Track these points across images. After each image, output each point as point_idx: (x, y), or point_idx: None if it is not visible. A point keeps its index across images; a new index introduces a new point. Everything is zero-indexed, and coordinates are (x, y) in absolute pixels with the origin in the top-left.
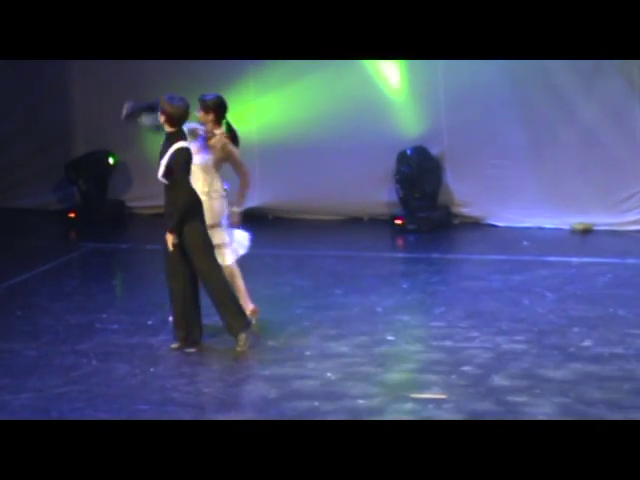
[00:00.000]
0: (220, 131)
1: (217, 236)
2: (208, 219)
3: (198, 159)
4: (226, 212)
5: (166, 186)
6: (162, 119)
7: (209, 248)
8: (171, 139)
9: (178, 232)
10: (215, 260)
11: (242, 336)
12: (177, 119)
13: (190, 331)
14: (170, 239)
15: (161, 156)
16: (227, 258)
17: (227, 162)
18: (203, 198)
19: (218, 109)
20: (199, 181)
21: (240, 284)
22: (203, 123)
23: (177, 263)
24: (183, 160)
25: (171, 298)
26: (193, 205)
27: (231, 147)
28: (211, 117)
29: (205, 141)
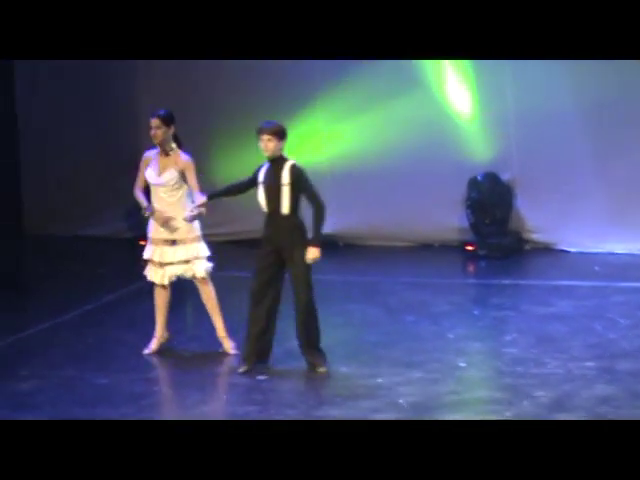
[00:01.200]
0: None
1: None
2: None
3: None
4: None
5: (277, 208)
6: (280, 144)
7: (311, 278)
8: (280, 160)
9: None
10: (313, 292)
11: (322, 369)
12: (285, 138)
13: (260, 357)
14: (317, 253)
15: (269, 180)
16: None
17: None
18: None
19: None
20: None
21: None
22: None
23: (264, 288)
24: (305, 173)
25: (250, 322)
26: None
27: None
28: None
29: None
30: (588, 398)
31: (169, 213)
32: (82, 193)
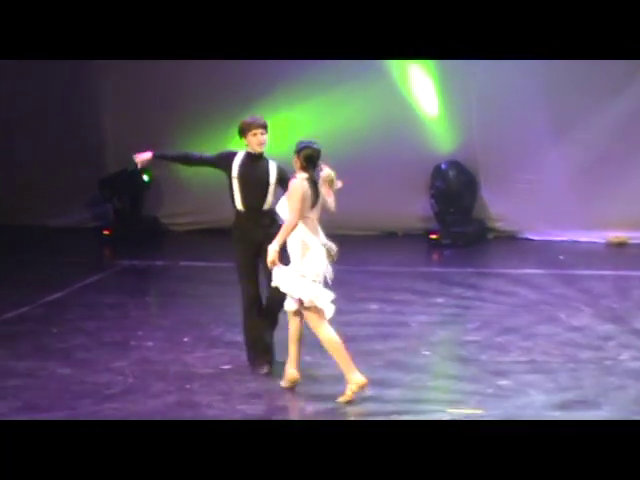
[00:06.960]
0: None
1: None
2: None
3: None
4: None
5: (260, 204)
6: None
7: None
8: (262, 157)
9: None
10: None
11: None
12: None
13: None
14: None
15: (252, 176)
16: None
17: None
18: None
19: None
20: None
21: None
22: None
23: (258, 289)
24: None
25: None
26: None
27: None
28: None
29: None
30: (552, 386)
31: None
32: (43, 183)
